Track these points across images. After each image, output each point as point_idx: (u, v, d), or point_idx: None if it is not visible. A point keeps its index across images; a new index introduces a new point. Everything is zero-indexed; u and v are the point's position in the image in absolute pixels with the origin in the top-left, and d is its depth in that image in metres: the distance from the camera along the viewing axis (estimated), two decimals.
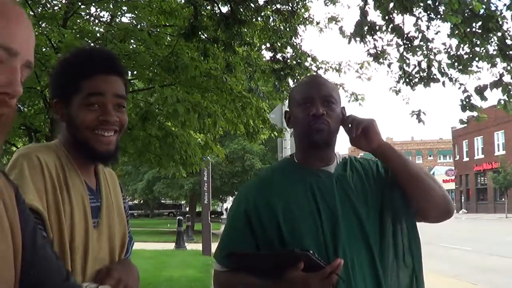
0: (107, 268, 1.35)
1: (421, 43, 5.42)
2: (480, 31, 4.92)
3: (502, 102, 5.23)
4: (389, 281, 1.58)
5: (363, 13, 5.08)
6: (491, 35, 4.92)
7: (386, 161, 1.67)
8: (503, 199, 39.44)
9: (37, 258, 0.94)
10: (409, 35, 5.39)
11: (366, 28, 5.30)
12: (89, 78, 1.38)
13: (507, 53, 4.91)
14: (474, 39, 5.06)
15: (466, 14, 4.82)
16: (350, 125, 1.67)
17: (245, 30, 5.87)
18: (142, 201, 47.10)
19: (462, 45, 5.25)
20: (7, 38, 0.86)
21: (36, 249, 0.95)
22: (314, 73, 7.04)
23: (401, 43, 5.47)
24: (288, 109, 1.77)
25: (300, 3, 6.39)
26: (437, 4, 4.94)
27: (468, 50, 5.26)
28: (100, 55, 1.46)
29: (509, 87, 5.06)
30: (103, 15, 7.60)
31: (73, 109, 1.38)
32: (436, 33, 5.45)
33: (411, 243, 1.65)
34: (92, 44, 5.93)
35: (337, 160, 1.72)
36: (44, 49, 6.11)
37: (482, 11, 4.79)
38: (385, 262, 1.58)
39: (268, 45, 6.39)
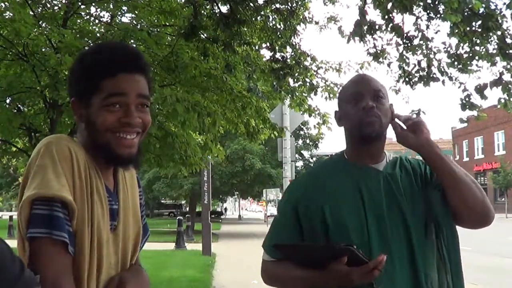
0: (119, 280, 1.31)
1: (421, 42, 5.42)
2: (480, 30, 4.92)
3: (502, 101, 5.22)
4: (429, 281, 1.60)
5: (362, 12, 5.08)
6: (490, 34, 4.91)
7: (430, 159, 1.67)
8: (503, 199, 39.47)
9: None
10: (408, 34, 5.39)
11: (365, 27, 5.30)
12: (110, 77, 1.29)
13: (507, 52, 4.91)
14: (473, 38, 5.05)
15: (465, 13, 4.81)
16: (398, 119, 1.71)
17: (245, 29, 5.88)
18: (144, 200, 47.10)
19: (461, 44, 5.24)
20: None
21: None
22: (314, 73, 7.05)
23: (400, 42, 5.47)
24: (337, 109, 1.81)
25: (300, 2, 6.39)
26: (436, 3, 4.94)
27: (468, 49, 5.25)
28: (123, 52, 1.35)
29: (509, 85, 5.06)
30: (103, 15, 7.62)
31: (93, 110, 1.30)
32: (436, 32, 5.42)
33: (450, 248, 1.67)
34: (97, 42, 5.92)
35: (387, 158, 1.75)
36: (44, 49, 6.12)
37: (481, 10, 4.78)
38: (427, 263, 1.61)
39: (267, 44, 6.39)
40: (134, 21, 7.23)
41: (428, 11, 5.12)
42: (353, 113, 1.67)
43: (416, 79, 5.64)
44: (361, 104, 1.66)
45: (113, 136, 1.30)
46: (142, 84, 1.35)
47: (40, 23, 6.28)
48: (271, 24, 6.22)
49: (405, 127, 1.70)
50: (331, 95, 7.28)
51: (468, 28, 4.98)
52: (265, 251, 1.77)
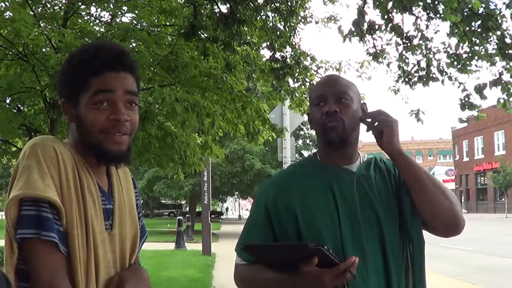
0: (119, 279, 1.31)
1: (420, 42, 5.42)
2: (479, 30, 4.92)
3: (502, 101, 5.23)
4: (400, 283, 1.59)
5: (361, 12, 5.08)
6: (490, 33, 4.92)
7: (396, 166, 1.66)
8: (503, 199, 39.46)
9: None
10: (408, 34, 5.39)
11: (365, 27, 5.31)
12: (97, 76, 1.31)
13: (506, 51, 4.91)
14: (473, 38, 5.06)
15: (465, 13, 4.82)
16: (370, 121, 1.68)
17: (245, 29, 5.88)
18: (142, 201, 47.13)
19: (461, 44, 5.25)
20: None
21: None
22: (314, 73, 7.04)
23: (400, 42, 5.47)
24: (309, 112, 1.80)
25: (299, 2, 6.39)
26: (436, 3, 4.94)
27: (468, 49, 5.26)
28: (109, 51, 1.37)
29: (509, 85, 5.06)
30: (103, 15, 7.62)
31: (81, 109, 1.32)
32: (435, 32, 5.43)
33: (415, 249, 1.65)
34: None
35: (361, 159, 1.73)
36: (44, 49, 6.12)
37: (481, 9, 4.79)
38: (398, 265, 1.60)
39: (267, 44, 6.40)
40: (134, 21, 7.23)
41: (427, 11, 5.13)
42: (318, 117, 1.66)
43: (415, 79, 5.64)
44: (324, 108, 1.64)
45: (106, 136, 1.32)
46: (129, 81, 1.37)
47: (40, 23, 6.27)
48: (271, 24, 6.23)
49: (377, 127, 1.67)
50: None
51: (467, 28, 4.99)
52: (237, 254, 1.71)
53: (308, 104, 1.81)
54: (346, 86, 1.69)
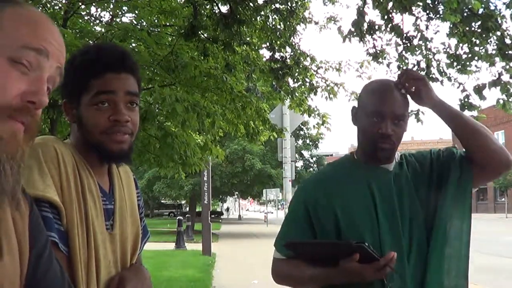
0: (120, 279, 1.32)
1: (420, 42, 5.42)
2: (479, 30, 4.92)
3: (501, 101, 5.22)
4: (443, 273, 1.64)
5: (360, 12, 5.08)
6: (490, 34, 4.91)
7: (440, 117, 1.73)
8: (503, 199, 39.50)
9: (38, 279, 0.93)
10: (408, 35, 5.39)
11: (365, 27, 5.31)
12: (98, 77, 1.32)
13: (506, 52, 4.91)
14: (473, 38, 5.06)
15: (465, 13, 4.82)
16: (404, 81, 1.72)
17: (245, 29, 5.88)
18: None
19: (461, 45, 5.24)
20: (37, 39, 0.85)
21: (39, 269, 0.94)
22: (314, 73, 7.04)
23: (400, 42, 5.47)
24: (356, 106, 1.80)
25: (299, 2, 6.40)
26: (436, 3, 4.95)
27: (467, 50, 5.25)
28: (110, 52, 1.38)
29: (508, 86, 5.05)
30: (103, 15, 7.63)
31: (82, 110, 1.33)
32: (435, 33, 5.42)
33: (463, 228, 1.76)
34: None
35: (396, 158, 1.77)
36: None
37: (481, 10, 4.78)
38: (437, 260, 1.63)
39: (267, 44, 6.40)
40: (134, 21, 7.24)
41: (427, 11, 5.13)
42: (369, 131, 1.67)
43: None
44: (380, 126, 1.64)
45: (107, 137, 1.33)
46: (130, 82, 1.38)
47: None
48: (270, 25, 6.23)
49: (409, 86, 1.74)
50: (331, 95, 7.30)
51: (467, 29, 4.99)
52: (276, 249, 1.78)
53: (359, 103, 1.79)
54: (405, 105, 1.70)
